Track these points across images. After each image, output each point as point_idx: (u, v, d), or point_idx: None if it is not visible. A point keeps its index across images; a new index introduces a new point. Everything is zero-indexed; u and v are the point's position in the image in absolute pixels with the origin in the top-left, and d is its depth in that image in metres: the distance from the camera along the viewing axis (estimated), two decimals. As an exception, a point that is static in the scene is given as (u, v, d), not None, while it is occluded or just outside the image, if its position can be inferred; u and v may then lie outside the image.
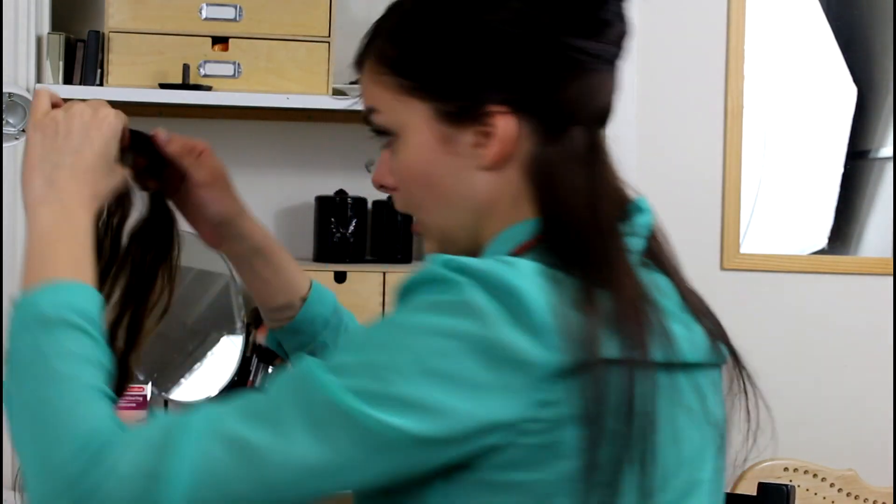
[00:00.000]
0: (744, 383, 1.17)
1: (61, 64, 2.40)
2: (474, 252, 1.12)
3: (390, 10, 1.16)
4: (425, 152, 1.13)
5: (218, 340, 2.60)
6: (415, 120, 1.12)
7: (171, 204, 1.36)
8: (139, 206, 1.31)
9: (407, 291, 1.04)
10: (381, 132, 1.16)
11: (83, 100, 1.25)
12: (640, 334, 1.03)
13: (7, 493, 2.32)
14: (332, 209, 2.60)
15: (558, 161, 1.10)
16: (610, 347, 1.01)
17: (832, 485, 2.60)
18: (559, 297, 1.00)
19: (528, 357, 0.97)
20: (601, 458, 0.99)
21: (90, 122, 1.21)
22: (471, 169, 1.12)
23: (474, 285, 0.99)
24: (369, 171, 1.33)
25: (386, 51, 1.14)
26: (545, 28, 1.09)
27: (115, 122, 1.24)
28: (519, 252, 1.08)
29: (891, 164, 2.91)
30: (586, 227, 1.07)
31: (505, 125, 1.10)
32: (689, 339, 1.09)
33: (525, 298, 0.98)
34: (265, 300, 1.44)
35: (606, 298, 1.03)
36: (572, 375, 0.98)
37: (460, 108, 1.11)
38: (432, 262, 1.03)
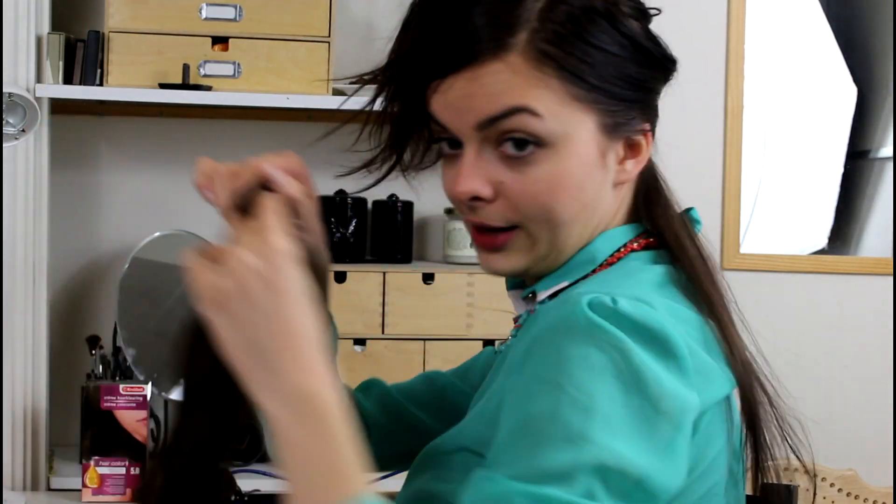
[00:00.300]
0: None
1: (61, 64, 2.40)
2: (559, 259, 1.11)
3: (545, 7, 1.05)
4: (587, 165, 1.07)
5: (218, 340, 2.60)
6: (581, 131, 1.06)
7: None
8: None
9: (555, 337, 0.97)
10: (519, 139, 1.05)
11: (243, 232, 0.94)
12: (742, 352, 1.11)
13: (7, 493, 2.32)
14: (332, 209, 2.60)
15: (656, 176, 1.16)
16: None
17: (832, 485, 2.59)
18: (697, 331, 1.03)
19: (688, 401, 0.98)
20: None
21: (267, 273, 0.90)
22: (609, 183, 1.10)
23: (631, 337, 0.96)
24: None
25: (551, 49, 1.04)
26: (656, 41, 1.11)
27: (290, 252, 0.92)
28: (628, 251, 1.11)
29: (891, 164, 2.91)
30: (682, 237, 1.13)
31: (647, 142, 1.11)
32: None
33: (674, 344, 0.97)
34: None
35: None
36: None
37: (618, 123, 1.08)
38: (579, 305, 0.97)
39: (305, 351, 0.90)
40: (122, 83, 2.44)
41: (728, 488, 1.08)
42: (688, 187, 2.87)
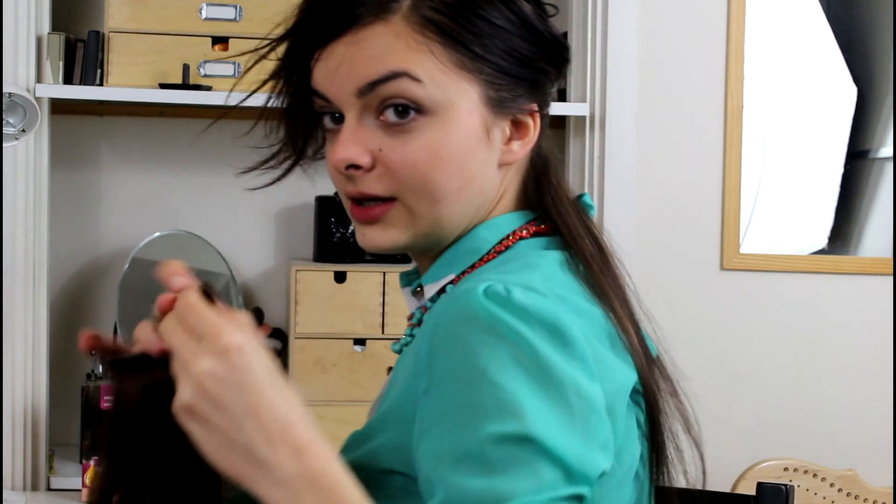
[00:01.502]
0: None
1: (61, 64, 2.40)
2: (441, 238, 1.09)
3: None
4: (470, 138, 1.05)
5: (218, 340, 2.60)
6: (464, 100, 1.04)
7: None
8: None
9: (456, 328, 0.95)
10: (400, 105, 1.03)
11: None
12: (637, 332, 1.06)
13: (7, 493, 2.32)
14: (332, 209, 2.60)
15: (547, 161, 1.14)
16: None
17: (832, 485, 2.60)
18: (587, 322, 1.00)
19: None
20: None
21: (228, 375, 0.84)
22: (493, 163, 1.08)
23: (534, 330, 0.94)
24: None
25: (435, 16, 1.03)
26: (548, 24, 1.10)
27: (244, 343, 0.85)
28: (516, 239, 1.09)
29: (891, 164, 2.91)
30: (575, 224, 1.10)
31: (535, 124, 1.10)
32: None
33: (569, 334, 0.95)
34: None
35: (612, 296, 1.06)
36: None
37: (503, 98, 1.06)
38: (475, 295, 0.94)
39: (297, 433, 0.84)
40: (122, 83, 2.45)
41: (640, 476, 1.06)
42: (688, 187, 2.89)
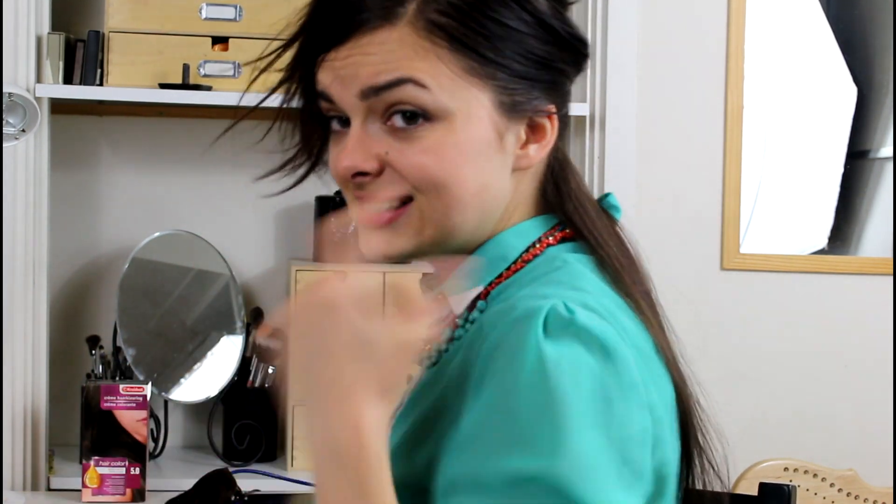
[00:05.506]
0: None
1: (61, 64, 2.40)
2: (449, 246, 1.06)
3: None
4: (481, 145, 1.01)
5: (218, 340, 2.60)
6: (475, 107, 1.00)
7: None
8: None
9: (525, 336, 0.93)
10: (407, 112, 1.00)
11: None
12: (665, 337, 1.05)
13: (7, 493, 2.32)
14: (332, 209, 2.60)
15: (565, 164, 1.10)
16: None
17: (832, 485, 2.59)
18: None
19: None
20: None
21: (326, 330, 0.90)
22: (507, 169, 1.04)
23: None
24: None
25: (442, 20, 0.99)
26: (565, 20, 1.06)
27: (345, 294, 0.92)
28: (544, 246, 1.06)
29: (891, 164, 2.91)
30: (600, 231, 1.07)
31: (552, 126, 1.06)
32: None
33: (625, 361, 0.94)
34: None
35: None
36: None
37: (517, 102, 1.03)
38: (535, 329, 0.91)
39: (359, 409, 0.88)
40: (122, 83, 2.44)
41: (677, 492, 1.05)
42: (688, 187, 2.89)
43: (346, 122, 1.05)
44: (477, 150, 1.01)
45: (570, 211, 1.07)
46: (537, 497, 0.85)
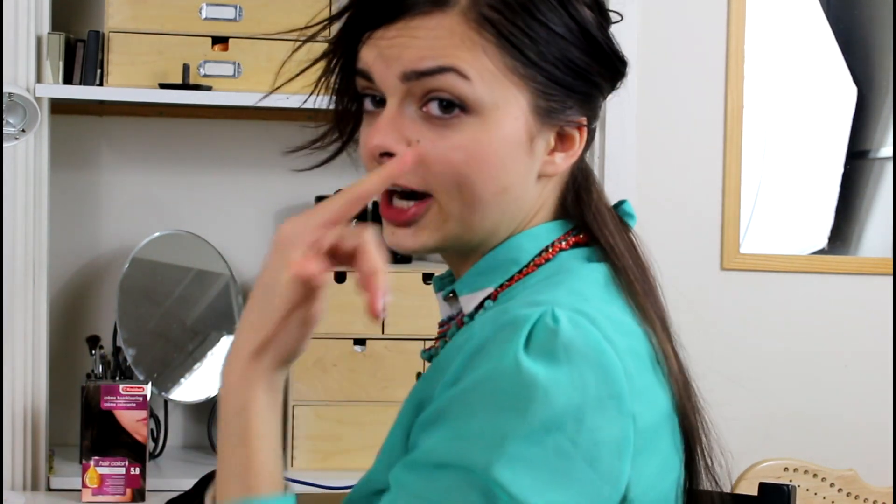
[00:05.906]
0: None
1: (61, 64, 2.40)
2: (472, 243, 1.07)
3: None
4: (511, 145, 1.02)
5: (218, 340, 2.60)
6: (511, 105, 1.01)
7: None
8: None
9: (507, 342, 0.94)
10: (445, 100, 1.00)
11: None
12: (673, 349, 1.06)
13: (7, 493, 2.32)
14: (332, 209, 2.59)
15: (588, 174, 1.12)
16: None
17: (832, 485, 2.59)
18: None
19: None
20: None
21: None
22: (533, 173, 1.05)
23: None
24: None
25: (494, 15, 1.00)
26: (608, 35, 1.07)
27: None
28: (556, 251, 1.07)
29: (891, 164, 2.91)
30: (617, 241, 1.08)
31: (581, 137, 1.07)
32: None
33: (613, 372, 0.95)
34: None
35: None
36: None
37: (552, 109, 1.04)
38: (517, 353, 0.93)
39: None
40: (122, 83, 2.44)
41: (678, 497, 1.05)
42: (688, 187, 2.89)
43: (380, 102, 1.05)
44: (507, 149, 1.02)
45: (590, 222, 1.08)
46: (457, 483, 0.90)
